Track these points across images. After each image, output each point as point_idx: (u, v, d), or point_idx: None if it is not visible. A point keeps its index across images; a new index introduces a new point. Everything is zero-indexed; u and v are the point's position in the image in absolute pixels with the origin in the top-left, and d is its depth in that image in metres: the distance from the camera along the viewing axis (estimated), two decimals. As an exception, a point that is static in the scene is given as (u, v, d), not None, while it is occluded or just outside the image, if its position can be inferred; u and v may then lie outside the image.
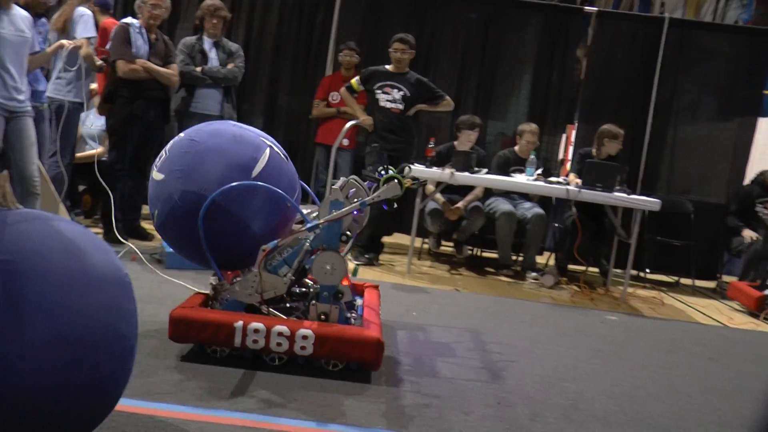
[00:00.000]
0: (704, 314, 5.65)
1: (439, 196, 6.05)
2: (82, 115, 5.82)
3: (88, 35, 5.25)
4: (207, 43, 5.92)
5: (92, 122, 6.05)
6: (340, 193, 3.11)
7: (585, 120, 7.18)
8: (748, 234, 6.54)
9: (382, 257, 6.06)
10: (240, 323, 2.89)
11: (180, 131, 5.76)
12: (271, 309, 3.08)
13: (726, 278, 6.90)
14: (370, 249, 5.82)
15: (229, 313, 3.01)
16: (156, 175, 3.18)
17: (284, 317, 3.04)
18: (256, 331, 2.89)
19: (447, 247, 6.84)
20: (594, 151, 6.29)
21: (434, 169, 5.60)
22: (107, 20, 5.69)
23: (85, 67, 5.24)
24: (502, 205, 6.03)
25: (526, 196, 6.35)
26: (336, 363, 2.99)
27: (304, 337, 2.89)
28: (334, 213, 3.04)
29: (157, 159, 3.25)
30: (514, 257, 6.33)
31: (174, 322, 2.93)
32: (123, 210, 5.40)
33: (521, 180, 5.76)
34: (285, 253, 3.06)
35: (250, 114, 7.10)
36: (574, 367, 3.60)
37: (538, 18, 7.07)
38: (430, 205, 6.09)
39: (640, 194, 6.45)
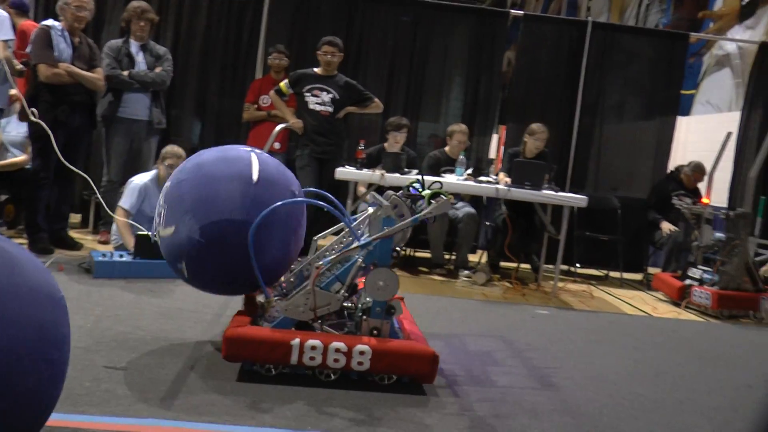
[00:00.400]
0: (631, 305, 5.84)
1: (369, 197, 6.08)
2: (3, 121, 5.66)
3: (5, 38, 5.07)
4: (134, 47, 5.82)
5: (13, 129, 5.87)
6: (391, 210, 3.10)
7: (514, 120, 7.32)
8: (667, 227, 6.79)
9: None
10: (297, 341, 2.90)
11: (107, 137, 5.72)
12: (324, 326, 3.09)
13: (651, 270, 7.14)
14: (302, 253, 5.79)
15: (284, 331, 2.99)
16: (164, 232, 3.10)
17: (337, 333, 3.06)
18: (314, 348, 2.90)
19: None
20: (522, 150, 6.43)
21: (364, 171, 5.63)
22: (26, 22, 5.55)
23: (2, 71, 5.07)
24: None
25: (457, 196, 6.44)
26: (389, 377, 3.03)
27: (362, 353, 2.92)
28: (387, 230, 3.06)
29: (157, 217, 3.17)
30: (446, 256, 6.41)
31: (229, 341, 2.90)
32: (49, 219, 5.27)
33: (451, 180, 5.84)
34: (336, 269, 3.07)
35: (180, 118, 7.01)
36: (504, 362, 3.67)
37: (465, 21, 7.18)
38: (361, 207, 6.12)
39: (569, 191, 6.62)
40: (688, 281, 5.98)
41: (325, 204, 3.24)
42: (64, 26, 5.20)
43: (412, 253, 6.62)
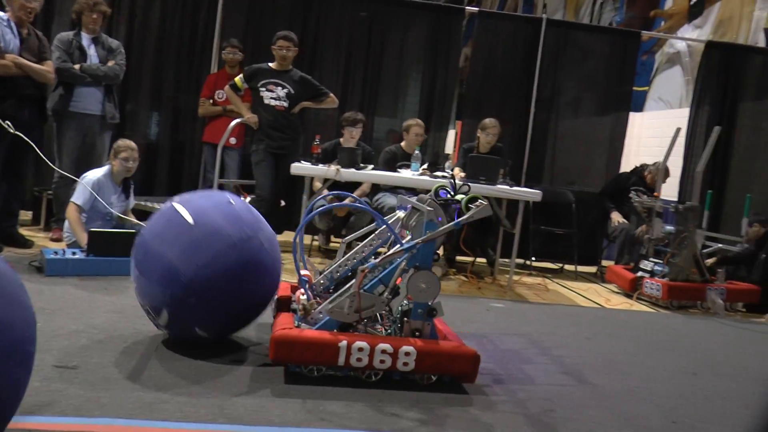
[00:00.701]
0: (585, 297, 5.95)
1: (326, 192, 6.08)
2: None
3: None
4: (85, 39, 5.72)
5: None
6: (434, 214, 3.15)
7: (470, 116, 7.38)
8: (616, 217, 6.94)
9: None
10: (344, 342, 2.95)
11: (59, 131, 5.62)
12: (368, 327, 3.14)
13: (605, 263, 7.27)
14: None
15: (331, 333, 3.03)
16: (163, 319, 3.13)
17: (382, 335, 3.12)
18: (360, 349, 2.96)
19: (336, 243, 6.89)
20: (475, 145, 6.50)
21: (320, 166, 5.63)
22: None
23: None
24: (390, 200, 6.13)
25: (413, 191, 6.47)
26: (428, 377, 3.10)
27: (407, 354, 3.00)
28: (430, 233, 3.10)
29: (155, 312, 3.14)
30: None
31: (277, 343, 2.95)
32: (-1, 216, 5.16)
33: (407, 175, 5.87)
34: (378, 272, 3.12)
35: (135, 114, 6.91)
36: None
37: (422, 17, 7.20)
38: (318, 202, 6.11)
39: (524, 186, 6.72)
40: (639, 273, 6.12)
41: (368, 208, 3.53)
42: (10, 17, 5.08)
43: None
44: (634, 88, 8.77)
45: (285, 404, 2.72)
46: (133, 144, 5.15)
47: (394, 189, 6.41)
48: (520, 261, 7.05)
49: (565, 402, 3.14)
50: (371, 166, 5.95)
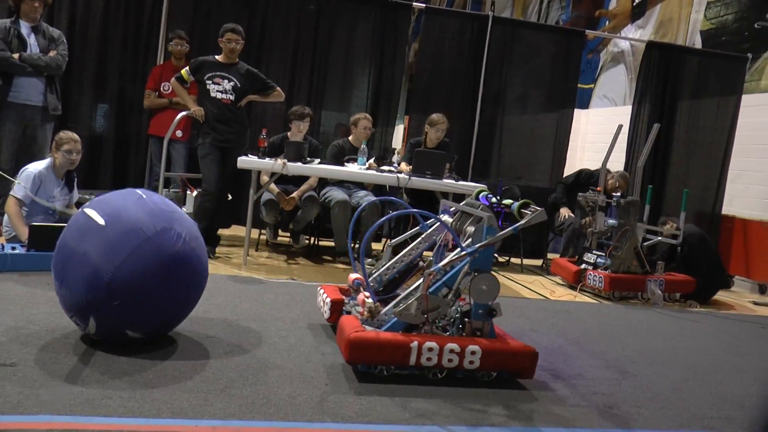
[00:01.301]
0: (530, 289, 6.06)
1: (273, 186, 6.06)
2: None
3: None
4: (25, 28, 5.60)
5: None
6: (494, 220, 3.30)
7: (418, 111, 7.44)
8: (565, 211, 7.08)
9: (219, 250, 6.01)
10: (416, 343, 3.09)
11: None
12: (434, 328, 3.26)
13: (551, 256, 7.42)
14: (206, 242, 5.71)
15: (403, 334, 3.16)
16: (92, 328, 3.07)
17: (445, 335, 3.25)
18: (430, 349, 3.10)
19: (284, 237, 6.89)
20: (424, 139, 6.56)
21: (267, 159, 5.62)
22: None
23: None
24: (337, 194, 6.14)
25: (361, 185, 6.51)
26: (490, 374, 3.28)
27: (473, 353, 3.15)
28: (490, 238, 3.25)
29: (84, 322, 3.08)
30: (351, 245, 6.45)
31: (352, 345, 3.05)
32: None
33: (354, 169, 5.89)
34: (440, 275, 3.24)
35: (78, 105, 6.78)
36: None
37: (369, 11, 7.21)
38: (265, 196, 6.09)
39: (471, 180, 6.81)
40: (583, 266, 6.27)
41: (424, 211, 3.58)
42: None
43: (316, 242, 6.64)
44: (580, 86, 8.98)
45: (229, 397, 2.73)
46: (75, 136, 5.06)
47: (341, 183, 6.44)
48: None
49: (504, 393, 3.21)
50: (318, 160, 5.96)
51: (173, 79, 5.88)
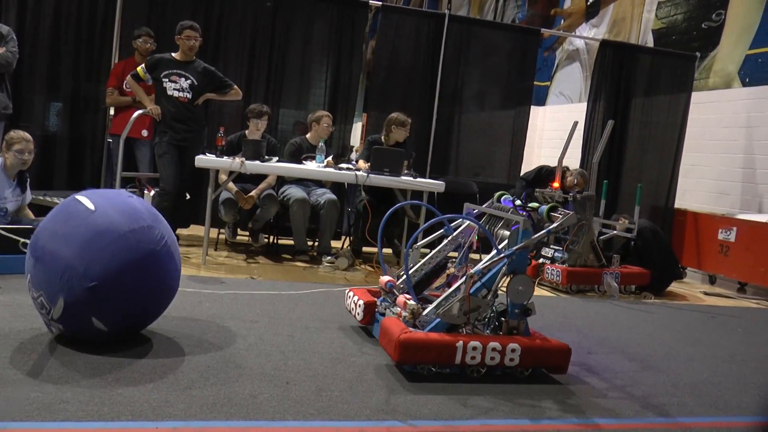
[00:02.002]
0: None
1: (231, 185, 6.01)
2: None
3: None
4: (-29, 26, 5.46)
5: None
6: (529, 223, 3.43)
7: (375, 108, 7.46)
8: (525, 206, 7.16)
9: (178, 249, 5.95)
10: (461, 343, 3.23)
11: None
12: (474, 328, 3.42)
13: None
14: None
15: (449, 334, 3.30)
16: (57, 310, 3.03)
17: (485, 334, 3.40)
18: (474, 348, 3.25)
19: (243, 236, 6.84)
20: (383, 137, 6.57)
21: (225, 158, 5.58)
22: None
23: None
24: (296, 192, 6.12)
25: (319, 183, 6.51)
26: (526, 370, 3.41)
27: (513, 350, 3.31)
28: (525, 241, 3.40)
29: (43, 308, 3.09)
30: (309, 243, 6.46)
31: (402, 346, 3.17)
32: None
33: (312, 167, 5.88)
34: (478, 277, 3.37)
35: (31, 104, 6.60)
36: (363, 343, 3.78)
37: (326, 9, 7.18)
38: (223, 194, 6.05)
39: (430, 178, 6.85)
40: (541, 260, 6.37)
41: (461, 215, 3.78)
42: None
43: (275, 241, 6.62)
44: (536, 83, 9.10)
45: (191, 398, 2.71)
46: (27, 135, 4.95)
47: (299, 181, 6.42)
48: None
49: (465, 386, 3.25)
50: (276, 158, 5.94)
51: (129, 77, 5.80)
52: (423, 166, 7.41)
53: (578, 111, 9.04)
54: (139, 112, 5.79)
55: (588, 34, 10.71)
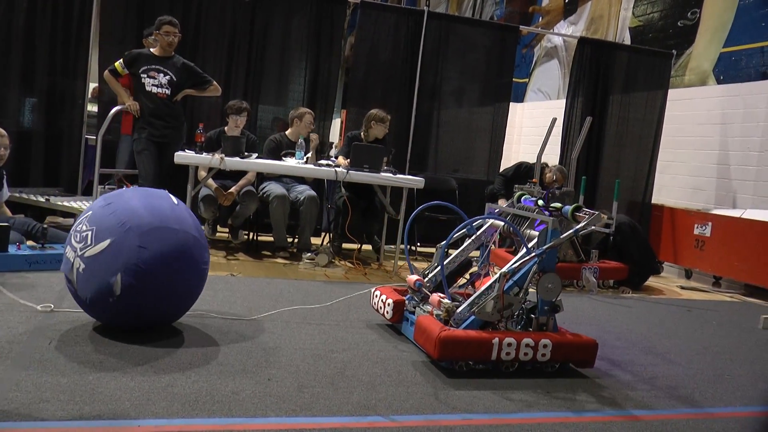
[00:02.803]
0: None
1: (211, 181, 5.99)
2: None
3: None
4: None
5: None
6: (557, 223, 3.54)
7: (355, 104, 7.45)
8: (503, 203, 7.19)
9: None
10: (497, 339, 3.35)
11: None
12: (507, 325, 3.52)
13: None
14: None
15: (486, 331, 3.42)
16: (93, 249, 3.14)
17: (516, 331, 3.51)
18: (509, 344, 3.37)
19: (223, 233, 6.82)
20: (362, 134, 6.57)
21: (204, 154, 5.55)
22: None
23: None
24: (275, 189, 6.12)
25: (299, 179, 6.50)
26: (555, 365, 3.54)
27: (545, 346, 3.43)
28: (554, 240, 3.50)
29: (78, 242, 3.20)
30: (289, 239, 6.45)
31: (442, 343, 3.27)
32: None
33: (291, 163, 5.87)
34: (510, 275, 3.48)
35: (4, 99, 6.50)
36: (344, 339, 3.78)
37: (304, 4, 7.15)
38: (203, 191, 6.02)
39: (409, 174, 6.86)
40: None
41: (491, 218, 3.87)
42: None
43: (255, 238, 6.60)
44: (515, 80, 9.14)
45: (172, 395, 2.70)
46: (2, 131, 4.90)
47: (279, 178, 6.41)
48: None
49: (446, 382, 3.27)
50: (255, 155, 5.92)
51: (106, 72, 5.74)
52: (402, 163, 7.42)
53: (557, 108, 9.11)
54: (117, 108, 5.74)
55: (566, 32, 10.79)
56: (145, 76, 5.62)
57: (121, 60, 5.68)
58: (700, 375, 3.88)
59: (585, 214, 3.61)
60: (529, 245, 3.61)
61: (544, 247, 3.51)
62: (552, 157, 7.84)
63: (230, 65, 7.00)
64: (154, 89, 5.64)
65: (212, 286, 4.67)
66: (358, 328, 4.03)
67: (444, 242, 4.21)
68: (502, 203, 7.17)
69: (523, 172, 7.33)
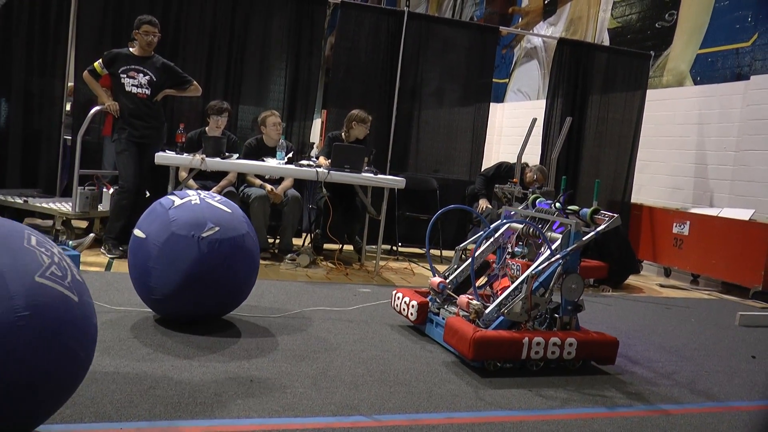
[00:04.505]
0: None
1: (192, 182, 5.97)
2: None
3: None
4: None
5: None
6: (580, 225, 3.67)
7: (335, 105, 7.45)
8: (483, 203, 7.24)
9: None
10: (527, 339, 3.47)
11: None
12: (534, 324, 3.65)
13: (470, 246, 7.55)
14: (123, 241, 5.61)
15: (517, 332, 3.53)
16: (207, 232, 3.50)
17: (544, 330, 3.64)
18: (538, 344, 3.49)
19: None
20: (343, 134, 6.57)
21: (185, 155, 5.53)
22: None
23: None
24: (256, 190, 6.10)
25: (280, 180, 6.48)
26: (577, 362, 3.67)
27: (570, 344, 3.57)
28: (577, 242, 3.63)
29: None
30: (271, 240, 6.43)
31: (477, 343, 3.37)
32: None
33: (272, 164, 5.86)
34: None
35: (-18, 98, 6.44)
36: (326, 339, 3.79)
37: (284, 4, 7.12)
38: (184, 192, 5.98)
39: (390, 174, 6.87)
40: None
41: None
42: None
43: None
44: (495, 80, 9.18)
45: (154, 398, 2.69)
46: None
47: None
48: (387, 247, 7.23)
49: (427, 380, 3.28)
50: (236, 155, 5.90)
51: (86, 72, 5.68)
52: (383, 163, 7.43)
53: (536, 108, 9.17)
54: (97, 108, 5.70)
55: (545, 33, 10.86)
56: (125, 76, 5.58)
57: (100, 60, 5.62)
58: (681, 371, 3.93)
59: (604, 216, 3.73)
60: (553, 246, 3.73)
61: (569, 249, 3.63)
62: (532, 157, 7.88)
63: (210, 65, 6.95)
64: (134, 89, 5.60)
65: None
66: (340, 328, 4.04)
67: (462, 244, 4.38)
68: (483, 203, 7.23)
69: (503, 171, 7.36)
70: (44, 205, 5.86)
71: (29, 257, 2.00)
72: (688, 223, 7.34)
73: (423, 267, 6.73)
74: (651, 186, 8.49)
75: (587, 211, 3.79)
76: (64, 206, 5.84)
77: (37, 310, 1.92)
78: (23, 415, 2.02)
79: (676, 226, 7.48)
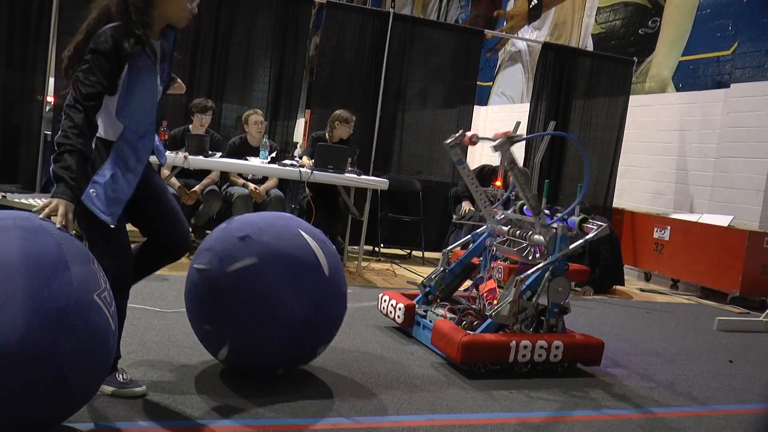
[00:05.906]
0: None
1: (174, 180, 5.92)
2: None
3: None
4: None
5: None
6: (567, 229, 3.72)
7: (319, 105, 7.42)
8: (466, 205, 7.25)
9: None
10: (514, 342, 3.51)
11: None
12: (522, 327, 3.67)
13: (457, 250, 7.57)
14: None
15: (504, 335, 3.58)
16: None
17: (528, 333, 3.66)
18: (525, 347, 3.54)
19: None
20: (327, 134, 6.56)
21: (168, 153, 5.48)
22: None
23: None
24: (239, 189, 6.07)
25: (263, 179, 6.45)
26: (564, 364, 3.71)
27: (557, 347, 3.61)
28: (567, 248, 3.68)
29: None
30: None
31: (464, 347, 3.41)
32: None
33: (256, 163, 5.83)
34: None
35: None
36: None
37: (269, 3, 7.10)
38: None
39: (373, 175, 6.87)
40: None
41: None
42: None
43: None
44: (479, 83, 9.22)
45: (134, 401, 2.66)
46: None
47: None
48: (369, 248, 7.22)
49: (409, 380, 3.28)
50: (219, 154, 5.87)
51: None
52: (366, 164, 7.42)
53: (520, 111, 9.20)
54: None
55: (530, 37, 10.91)
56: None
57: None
58: (657, 375, 3.95)
59: (593, 225, 3.76)
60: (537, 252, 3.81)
61: (558, 254, 3.67)
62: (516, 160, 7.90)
63: (194, 63, 6.91)
64: (117, 86, 5.54)
65: (174, 287, 4.63)
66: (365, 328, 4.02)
67: (449, 247, 4.43)
68: (467, 205, 7.24)
69: (486, 174, 7.38)
70: (23, 200, 5.78)
71: (93, 276, 2.21)
72: (668, 228, 7.40)
73: (405, 268, 6.73)
74: (633, 191, 8.55)
75: (576, 219, 3.81)
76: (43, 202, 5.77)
77: (87, 324, 2.09)
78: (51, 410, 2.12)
79: (657, 231, 7.53)
